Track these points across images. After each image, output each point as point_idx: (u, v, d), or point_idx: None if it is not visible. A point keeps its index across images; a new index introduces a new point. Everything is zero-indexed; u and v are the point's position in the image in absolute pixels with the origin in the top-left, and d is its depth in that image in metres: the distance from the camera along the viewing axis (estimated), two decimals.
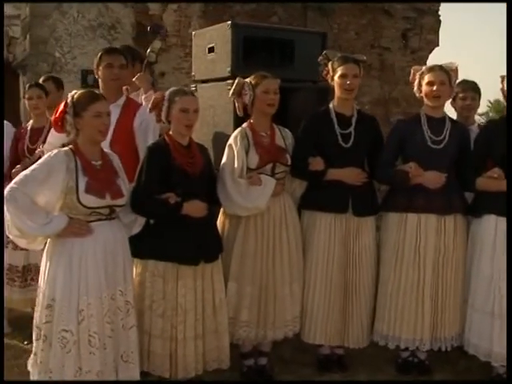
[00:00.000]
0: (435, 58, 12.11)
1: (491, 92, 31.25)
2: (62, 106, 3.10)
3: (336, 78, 3.79)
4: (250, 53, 4.24)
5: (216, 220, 3.72)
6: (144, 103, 4.04)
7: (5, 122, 4.76)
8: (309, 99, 4.44)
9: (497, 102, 24.90)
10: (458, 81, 3.99)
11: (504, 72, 3.96)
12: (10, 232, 3.05)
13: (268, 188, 3.60)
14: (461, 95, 4.33)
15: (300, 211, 3.88)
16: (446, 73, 3.78)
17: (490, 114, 25.54)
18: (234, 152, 3.63)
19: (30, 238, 3.07)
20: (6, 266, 4.45)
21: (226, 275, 3.62)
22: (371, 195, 3.91)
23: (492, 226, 3.70)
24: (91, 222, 3.09)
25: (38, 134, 4.44)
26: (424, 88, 3.82)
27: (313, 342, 3.88)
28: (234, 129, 4.00)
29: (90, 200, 3.04)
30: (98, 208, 3.08)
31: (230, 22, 4.20)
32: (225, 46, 4.22)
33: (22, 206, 2.94)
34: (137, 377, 3.24)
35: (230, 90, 4.09)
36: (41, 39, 8.13)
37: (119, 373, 3.16)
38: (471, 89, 4.36)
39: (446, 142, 3.77)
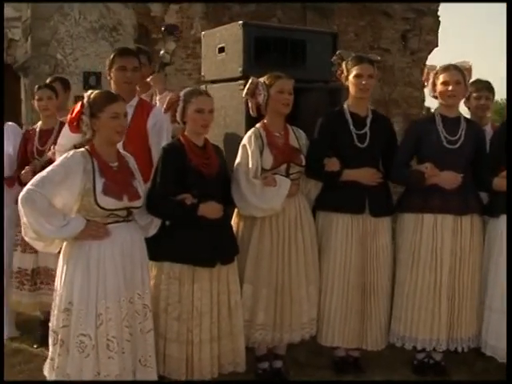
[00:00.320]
0: (434, 58, 12.12)
1: None
2: (78, 106, 3.05)
3: (351, 77, 3.76)
4: (261, 53, 4.21)
5: (231, 221, 3.68)
6: (158, 104, 4.00)
7: (11, 123, 4.72)
8: (320, 99, 4.41)
9: (495, 102, 24.94)
10: (471, 80, 3.96)
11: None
12: (27, 234, 3.00)
13: (283, 188, 3.57)
14: (475, 95, 4.30)
15: (314, 212, 3.85)
16: (460, 72, 3.76)
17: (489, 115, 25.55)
18: (248, 152, 3.60)
19: (47, 240, 3.01)
20: (15, 269, 4.40)
21: (241, 277, 3.58)
22: (387, 195, 3.88)
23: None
24: (108, 224, 3.05)
25: (48, 136, 4.39)
26: (439, 88, 3.79)
27: (330, 345, 3.84)
28: (246, 129, 3.97)
29: (108, 202, 2.99)
30: (115, 210, 3.04)
31: (241, 22, 4.17)
32: (236, 46, 4.19)
33: (40, 207, 2.89)
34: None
35: (241, 90, 4.06)
36: (42, 41, 8.07)
37: (137, 377, 3.12)
38: (485, 88, 4.34)
39: (462, 142, 3.75)
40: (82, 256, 2.99)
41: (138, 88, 4.12)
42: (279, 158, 3.62)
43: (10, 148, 4.48)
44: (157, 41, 8.54)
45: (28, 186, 2.94)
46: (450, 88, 3.73)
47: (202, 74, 4.62)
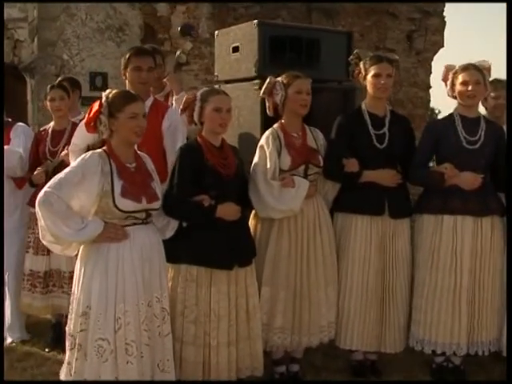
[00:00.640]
0: (440, 59, 12.08)
1: None
2: (96, 106, 2.99)
3: (369, 77, 3.71)
4: (276, 52, 4.17)
5: (248, 223, 3.62)
6: (175, 105, 3.94)
7: (22, 124, 4.67)
8: (333, 99, 4.36)
9: None
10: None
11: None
12: (44, 238, 2.94)
13: (302, 190, 3.51)
14: (493, 94, 4.23)
15: (332, 213, 3.79)
16: (480, 72, 3.70)
17: None
18: (266, 153, 3.54)
19: (64, 243, 2.95)
20: (26, 271, 4.35)
21: (258, 280, 3.53)
22: (406, 197, 3.83)
23: None
24: (126, 226, 2.99)
25: (60, 137, 4.33)
26: (458, 87, 3.73)
27: (349, 348, 3.79)
28: (261, 130, 3.92)
29: (127, 204, 2.93)
30: (134, 212, 2.98)
31: (256, 21, 4.13)
32: (251, 46, 4.14)
33: (58, 210, 2.83)
34: None
35: (256, 90, 4.02)
36: (49, 42, 8.00)
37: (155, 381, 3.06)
38: (504, 88, 4.28)
39: (482, 143, 3.69)
40: (100, 259, 2.93)
41: (151, 88, 4.06)
42: (297, 159, 3.57)
43: (20, 148, 4.42)
44: (163, 41, 8.49)
45: (45, 189, 2.88)
46: (470, 88, 3.67)
47: (216, 73, 4.56)
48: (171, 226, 3.28)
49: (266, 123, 3.86)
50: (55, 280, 4.30)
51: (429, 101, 11.83)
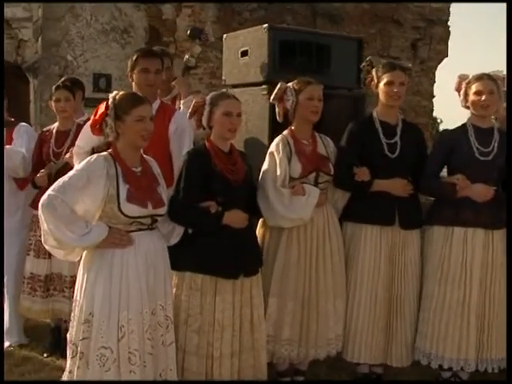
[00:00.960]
0: (444, 68, 12.03)
1: None
2: (102, 108, 2.91)
3: (381, 85, 3.64)
4: (286, 57, 4.11)
5: (255, 231, 3.55)
6: (183, 108, 3.86)
7: (25, 124, 4.60)
8: (343, 106, 4.30)
9: None
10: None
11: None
12: (47, 242, 2.85)
13: (312, 198, 3.44)
14: (505, 105, 4.17)
15: (341, 222, 3.72)
16: (494, 82, 3.64)
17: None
18: (276, 160, 3.47)
19: (67, 248, 2.87)
20: (27, 274, 4.26)
21: (265, 290, 3.45)
22: (416, 207, 3.76)
23: None
24: (131, 231, 2.91)
25: (64, 138, 4.25)
26: (471, 97, 3.66)
27: (357, 361, 3.70)
28: (269, 136, 3.85)
29: (132, 209, 2.85)
30: (139, 217, 2.90)
31: (266, 25, 4.07)
32: (260, 50, 4.08)
33: (62, 215, 2.75)
34: None
35: (265, 95, 3.95)
36: (53, 42, 7.95)
37: None
38: None
39: (495, 154, 3.62)
40: (103, 265, 2.85)
41: (158, 91, 3.98)
42: (308, 167, 3.49)
43: (22, 149, 4.35)
44: (168, 44, 8.42)
45: (49, 192, 2.80)
46: (483, 98, 3.60)
47: (223, 77, 4.50)
48: (176, 233, 3.20)
49: (275, 129, 3.79)
50: (56, 284, 4.21)
51: (432, 110, 11.80)
